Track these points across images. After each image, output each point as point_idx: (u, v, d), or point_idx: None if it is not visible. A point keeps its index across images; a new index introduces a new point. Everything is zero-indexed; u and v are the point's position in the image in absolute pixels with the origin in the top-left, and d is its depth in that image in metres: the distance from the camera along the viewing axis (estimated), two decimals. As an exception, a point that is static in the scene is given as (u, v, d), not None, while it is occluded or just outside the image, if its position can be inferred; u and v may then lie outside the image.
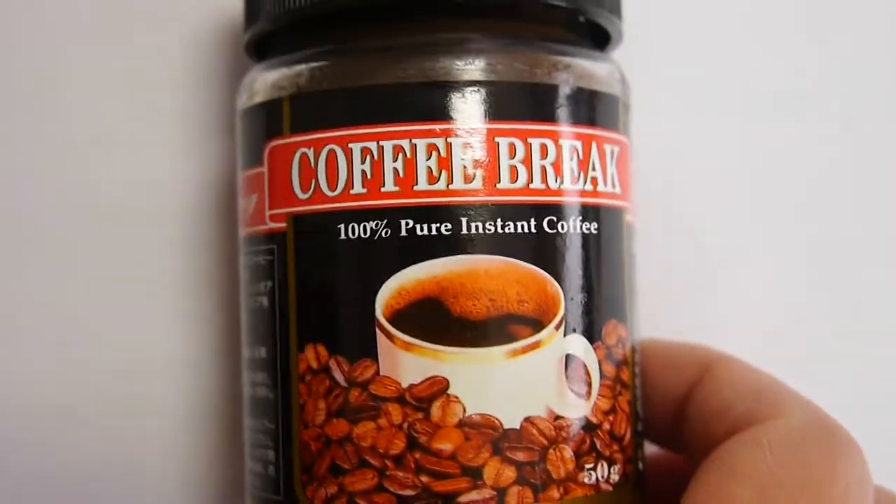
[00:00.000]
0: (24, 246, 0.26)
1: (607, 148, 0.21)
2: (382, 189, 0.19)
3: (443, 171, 0.19)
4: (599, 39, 0.22)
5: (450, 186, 0.19)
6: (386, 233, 0.19)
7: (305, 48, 0.21)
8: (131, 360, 0.26)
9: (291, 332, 0.20)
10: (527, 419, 0.19)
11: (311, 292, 0.20)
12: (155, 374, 0.26)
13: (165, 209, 0.26)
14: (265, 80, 0.21)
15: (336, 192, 0.20)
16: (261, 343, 0.21)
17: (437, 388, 0.19)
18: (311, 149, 0.20)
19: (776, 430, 0.19)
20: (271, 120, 0.21)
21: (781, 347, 0.26)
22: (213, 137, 0.26)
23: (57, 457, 0.26)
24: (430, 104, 0.19)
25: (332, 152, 0.20)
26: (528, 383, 0.19)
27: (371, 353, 0.19)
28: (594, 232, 0.20)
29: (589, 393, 0.20)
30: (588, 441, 0.20)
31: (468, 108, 0.19)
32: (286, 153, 0.20)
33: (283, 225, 0.20)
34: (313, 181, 0.20)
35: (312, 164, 0.20)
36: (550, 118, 0.20)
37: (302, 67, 0.21)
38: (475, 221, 0.19)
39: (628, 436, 0.21)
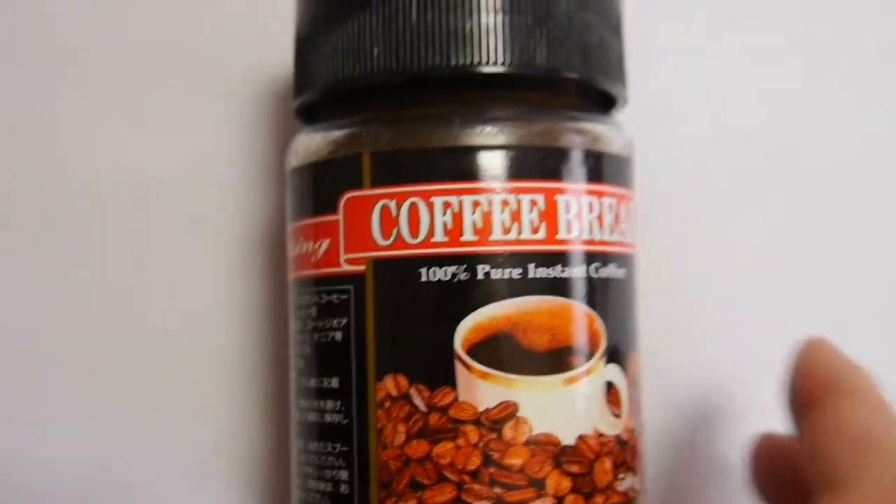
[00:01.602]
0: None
1: (629, 206, 0.25)
2: (462, 238, 0.22)
3: (514, 223, 0.22)
4: (607, 104, 0.26)
5: (520, 237, 0.22)
6: (465, 276, 0.22)
7: (363, 112, 0.24)
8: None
9: (369, 363, 0.23)
10: (580, 437, 0.23)
11: (390, 328, 0.22)
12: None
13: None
14: (326, 140, 0.24)
15: (418, 240, 0.22)
16: (332, 374, 0.23)
17: (510, 412, 0.22)
18: (394, 201, 0.22)
19: None
20: (347, 173, 0.23)
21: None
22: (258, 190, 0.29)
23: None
24: (506, 165, 0.22)
25: (413, 205, 0.22)
26: (581, 406, 0.23)
27: (450, 381, 0.22)
28: (623, 277, 0.24)
29: (620, 414, 0.24)
30: (622, 455, 0.23)
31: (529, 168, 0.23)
32: (365, 204, 0.23)
33: (362, 268, 0.23)
34: (395, 229, 0.22)
35: (394, 214, 0.22)
36: (597, 179, 0.23)
37: (369, 128, 0.23)
38: (540, 267, 0.22)
39: (642, 451, 0.25)
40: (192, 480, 0.28)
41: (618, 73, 0.25)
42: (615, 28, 0.25)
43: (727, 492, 0.30)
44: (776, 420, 0.23)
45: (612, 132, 0.25)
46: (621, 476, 0.23)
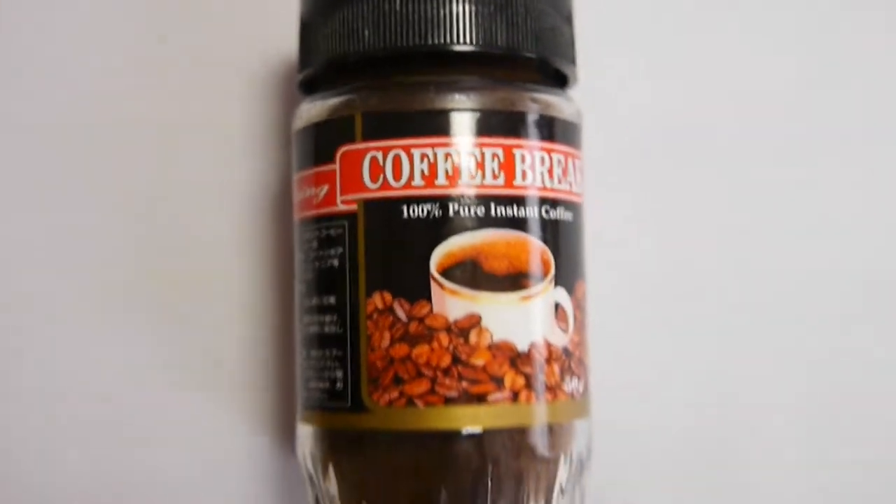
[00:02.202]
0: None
1: (577, 162, 0.30)
2: (436, 182, 0.28)
3: (478, 171, 0.28)
4: (562, 81, 0.31)
5: (483, 182, 0.28)
6: (439, 213, 0.27)
7: (355, 82, 0.29)
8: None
9: (361, 283, 0.28)
10: (532, 344, 0.28)
11: (377, 254, 0.28)
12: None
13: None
14: (325, 105, 0.29)
15: (400, 184, 0.28)
16: (330, 293, 0.28)
17: (474, 322, 0.27)
18: (381, 152, 0.28)
19: None
20: (342, 131, 0.28)
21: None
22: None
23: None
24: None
25: (397, 155, 0.28)
26: (533, 320, 0.28)
27: (426, 297, 0.27)
28: (570, 219, 0.29)
29: (567, 329, 0.29)
30: (568, 362, 0.29)
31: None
32: (357, 155, 0.28)
33: (355, 207, 0.28)
34: (381, 175, 0.28)
35: (381, 163, 0.28)
36: (549, 138, 0.29)
37: (360, 95, 0.28)
38: (500, 206, 0.28)
39: (587, 361, 0.30)
40: (211, 388, 0.34)
41: (568, 54, 0.30)
42: (567, 17, 0.31)
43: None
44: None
45: (563, 102, 0.30)
46: (567, 379, 0.29)
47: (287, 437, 0.33)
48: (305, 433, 0.30)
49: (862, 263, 0.36)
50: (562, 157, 0.29)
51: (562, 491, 0.29)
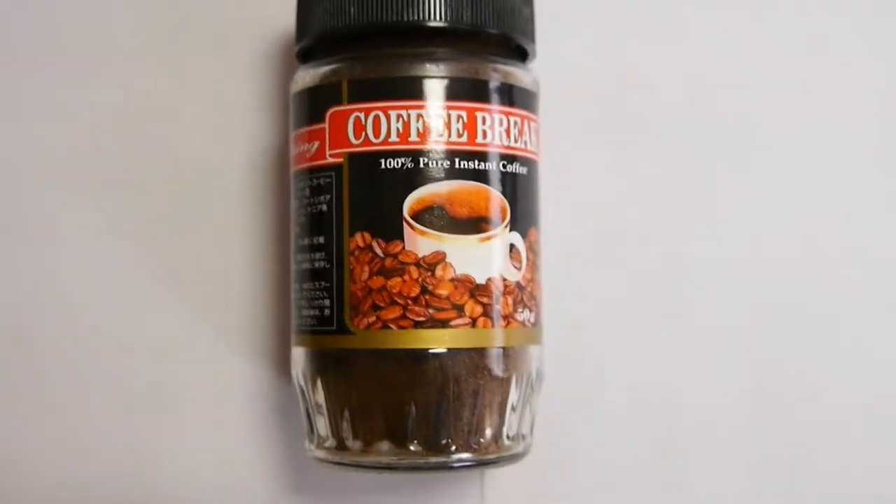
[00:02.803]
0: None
1: (532, 124, 0.35)
2: (409, 139, 0.32)
3: (445, 130, 0.33)
4: (522, 55, 0.36)
5: (449, 139, 0.33)
6: (411, 165, 0.32)
7: (343, 53, 0.34)
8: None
9: (345, 225, 0.33)
10: (489, 279, 0.33)
11: (359, 200, 0.33)
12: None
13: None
14: (317, 73, 0.34)
15: (379, 140, 0.32)
16: (320, 234, 0.33)
17: (440, 258, 0.32)
18: (363, 113, 0.33)
19: None
20: (331, 95, 0.33)
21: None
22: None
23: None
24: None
25: (376, 116, 0.33)
26: (490, 257, 0.33)
27: (399, 236, 0.32)
28: (525, 173, 0.34)
29: (520, 267, 0.34)
30: (520, 296, 0.34)
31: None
32: (343, 115, 0.33)
33: (341, 160, 0.33)
34: (363, 133, 0.33)
35: (363, 122, 0.33)
36: (509, 103, 0.34)
37: (347, 64, 0.33)
38: (464, 160, 0.33)
39: (539, 296, 0.35)
40: (219, 321, 0.39)
41: (527, 31, 0.35)
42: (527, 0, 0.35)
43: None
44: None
45: (522, 72, 0.35)
46: (520, 310, 0.34)
47: (284, 363, 0.39)
48: (298, 354, 0.35)
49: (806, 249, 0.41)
50: (518, 120, 0.34)
51: (513, 408, 0.34)
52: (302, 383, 0.35)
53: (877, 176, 0.41)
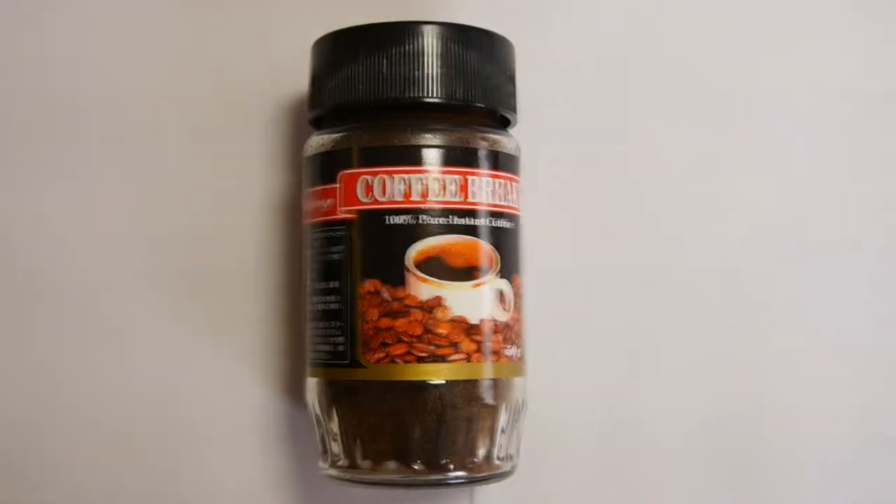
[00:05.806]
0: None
1: (515, 185, 0.40)
2: (411, 199, 0.38)
3: (442, 191, 0.38)
4: (506, 123, 0.41)
5: (445, 199, 0.38)
6: (413, 221, 0.37)
7: (353, 122, 0.39)
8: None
9: (356, 272, 0.38)
10: (481, 319, 0.38)
11: (368, 251, 0.38)
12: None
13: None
14: (330, 139, 0.39)
15: (385, 200, 0.38)
16: (334, 279, 0.38)
17: (439, 302, 0.37)
18: (371, 176, 0.38)
19: None
20: (343, 159, 0.38)
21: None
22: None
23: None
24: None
25: (383, 178, 0.38)
26: (482, 301, 0.38)
27: (404, 283, 0.37)
28: (511, 227, 0.39)
29: (507, 309, 0.39)
30: (508, 334, 0.39)
31: (445, 159, 0.38)
32: (354, 177, 0.38)
33: (352, 216, 0.38)
34: (371, 193, 0.38)
35: (371, 183, 0.38)
36: (496, 168, 0.39)
37: (356, 132, 0.38)
38: (458, 217, 0.38)
39: (522, 335, 0.40)
40: (237, 354, 0.44)
41: (510, 104, 0.41)
42: (510, 76, 0.41)
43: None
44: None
45: (506, 139, 0.40)
46: (508, 346, 0.39)
47: (294, 390, 0.43)
48: (313, 384, 0.39)
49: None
50: (504, 181, 0.39)
51: (502, 431, 0.39)
52: (318, 411, 0.39)
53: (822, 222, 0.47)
